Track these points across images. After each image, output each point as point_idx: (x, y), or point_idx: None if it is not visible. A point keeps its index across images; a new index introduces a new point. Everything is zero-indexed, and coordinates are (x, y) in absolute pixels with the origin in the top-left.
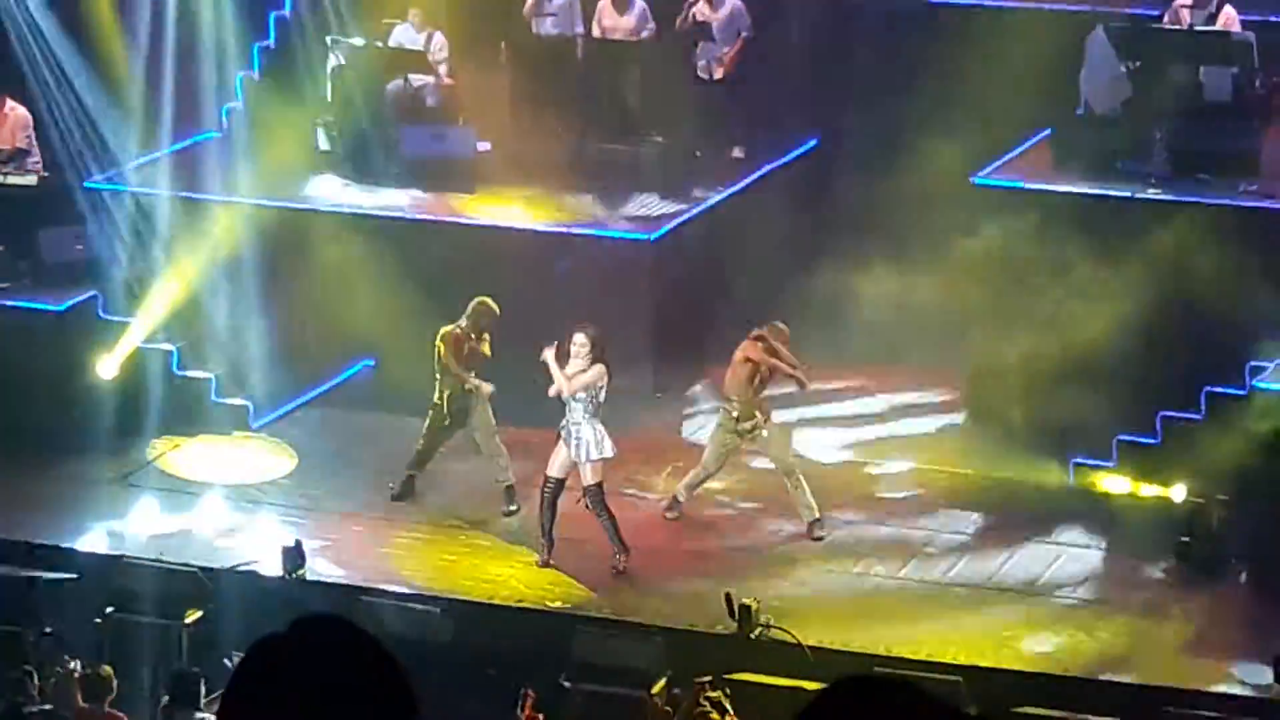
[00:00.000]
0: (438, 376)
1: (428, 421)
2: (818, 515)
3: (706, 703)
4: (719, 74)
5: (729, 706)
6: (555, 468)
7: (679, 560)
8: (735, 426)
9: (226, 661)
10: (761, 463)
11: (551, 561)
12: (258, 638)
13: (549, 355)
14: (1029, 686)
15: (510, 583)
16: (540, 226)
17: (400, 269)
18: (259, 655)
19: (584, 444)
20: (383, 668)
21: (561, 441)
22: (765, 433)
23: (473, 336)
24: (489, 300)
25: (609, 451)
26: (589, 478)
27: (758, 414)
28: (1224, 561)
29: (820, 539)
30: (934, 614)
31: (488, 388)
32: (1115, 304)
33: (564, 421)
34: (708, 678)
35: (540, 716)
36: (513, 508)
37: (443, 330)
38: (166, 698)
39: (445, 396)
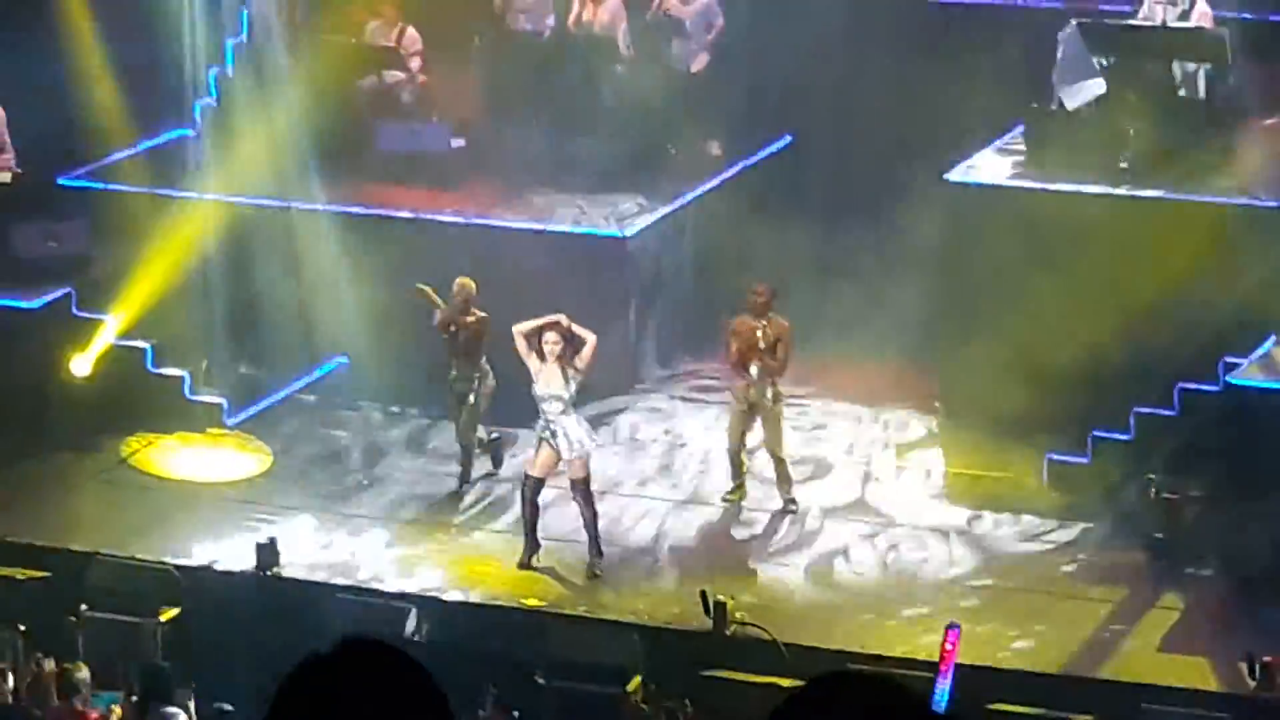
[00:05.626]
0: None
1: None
2: (792, 495)
3: (663, 713)
4: (694, 68)
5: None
6: (537, 468)
7: (655, 558)
8: (757, 398)
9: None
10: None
11: (531, 564)
12: (305, 655)
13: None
14: (1005, 683)
15: (486, 580)
16: (514, 223)
17: (374, 266)
18: (304, 675)
19: (571, 439)
20: (427, 692)
21: (542, 443)
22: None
23: (458, 317)
24: (463, 279)
25: (596, 443)
26: (579, 471)
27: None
28: (1197, 557)
29: (793, 511)
30: (909, 611)
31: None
32: (1089, 300)
33: (541, 421)
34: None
35: (516, 714)
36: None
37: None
38: (137, 693)
39: (451, 377)
